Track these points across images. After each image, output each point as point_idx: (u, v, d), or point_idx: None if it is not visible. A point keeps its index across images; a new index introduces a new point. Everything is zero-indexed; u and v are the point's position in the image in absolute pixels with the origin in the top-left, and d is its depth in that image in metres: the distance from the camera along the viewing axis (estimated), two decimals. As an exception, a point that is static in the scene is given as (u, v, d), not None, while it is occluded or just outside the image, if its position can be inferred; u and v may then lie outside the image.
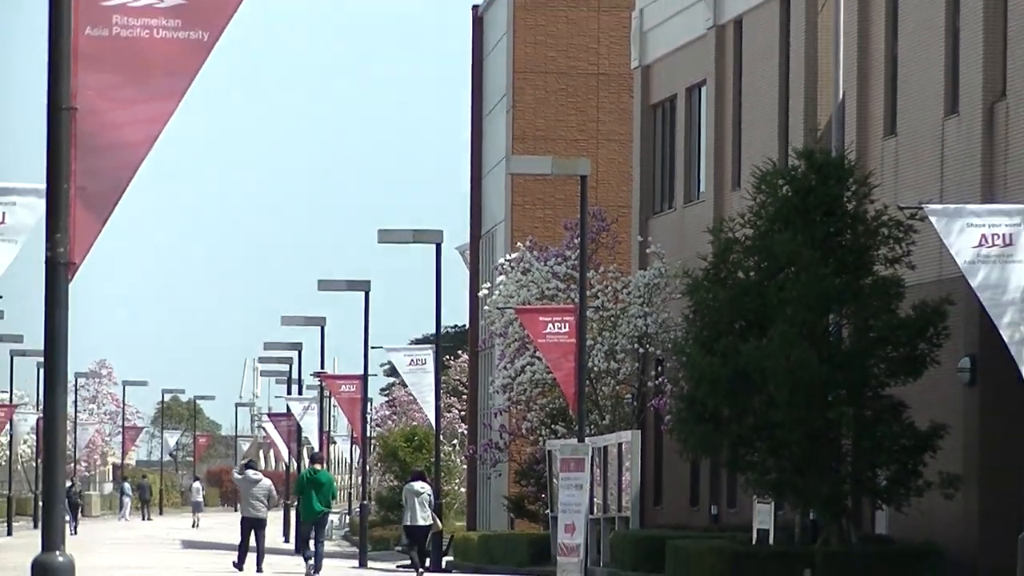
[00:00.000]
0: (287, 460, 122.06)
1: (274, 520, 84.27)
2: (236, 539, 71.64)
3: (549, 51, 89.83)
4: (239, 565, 69.73)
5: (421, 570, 67.84)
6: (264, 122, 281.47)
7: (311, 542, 68.90)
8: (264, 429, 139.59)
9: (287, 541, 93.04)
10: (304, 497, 70.06)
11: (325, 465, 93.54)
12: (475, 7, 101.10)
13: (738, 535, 57.68)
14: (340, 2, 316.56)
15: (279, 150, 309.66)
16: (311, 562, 68.12)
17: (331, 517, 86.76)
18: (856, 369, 51.50)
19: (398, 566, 70.54)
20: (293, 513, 73.39)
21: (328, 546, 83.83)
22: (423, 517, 69.83)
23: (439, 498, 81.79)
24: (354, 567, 69.52)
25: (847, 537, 52.82)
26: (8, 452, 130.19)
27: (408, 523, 70.56)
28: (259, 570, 69.64)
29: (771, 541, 54.79)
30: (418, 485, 71.43)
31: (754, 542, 55.54)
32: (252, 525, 70.56)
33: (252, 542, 69.73)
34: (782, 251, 52.24)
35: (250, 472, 73.32)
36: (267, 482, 72.54)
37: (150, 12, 17.00)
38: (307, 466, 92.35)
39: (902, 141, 56.11)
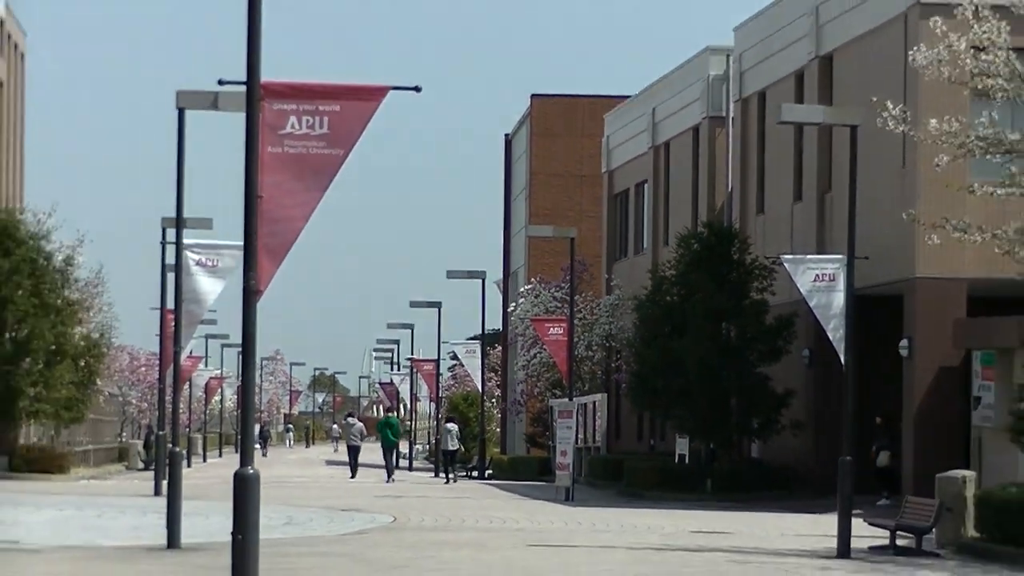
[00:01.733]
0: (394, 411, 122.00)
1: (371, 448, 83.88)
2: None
3: (552, 161, 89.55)
4: (353, 475, 71.47)
5: (449, 480, 67.72)
6: (364, 186, 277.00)
7: (389, 461, 70.50)
8: (377, 392, 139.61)
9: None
10: (381, 433, 73.54)
11: (400, 415, 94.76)
12: (507, 135, 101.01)
13: (666, 458, 57.52)
14: (425, 121, 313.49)
15: (380, 208, 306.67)
16: (389, 473, 69.27)
17: (416, 446, 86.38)
18: (739, 357, 51.38)
19: (456, 476, 70.26)
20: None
21: (417, 464, 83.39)
22: (452, 445, 70.34)
23: (483, 434, 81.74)
24: (431, 476, 69.32)
25: (733, 459, 52.73)
26: (220, 406, 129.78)
27: (444, 448, 71.15)
28: (354, 475, 71.33)
29: (687, 462, 54.64)
30: (450, 425, 72.20)
31: (676, 462, 55.37)
32: (352, 449, 73.82)
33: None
34: (694, 284, 52.26)
35: (350, 419, 79.86)
36: (360, 424, 77.05)
37: (307, 138, 17.04)
38: (383, 415, 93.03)
39: (767, 217, 55.95)
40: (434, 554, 28.98)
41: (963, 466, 37.64)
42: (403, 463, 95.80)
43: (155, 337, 61.11)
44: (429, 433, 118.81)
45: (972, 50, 30.48)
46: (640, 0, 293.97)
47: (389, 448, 71.90)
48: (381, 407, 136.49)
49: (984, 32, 30.29)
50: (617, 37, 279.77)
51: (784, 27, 53.95)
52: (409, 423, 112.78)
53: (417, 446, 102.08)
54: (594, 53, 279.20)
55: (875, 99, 34.49)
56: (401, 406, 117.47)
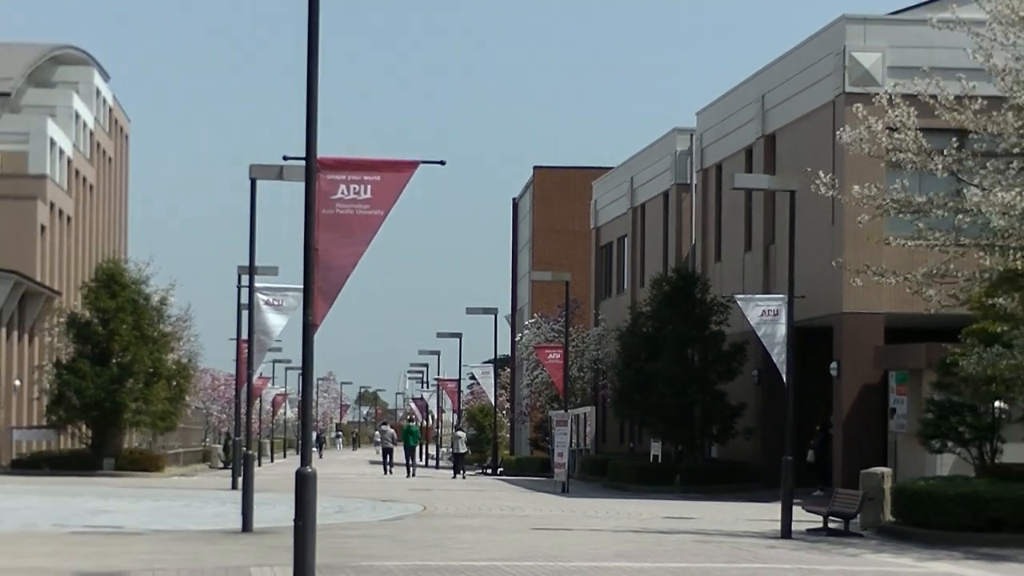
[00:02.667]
0: (421, 420, 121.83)
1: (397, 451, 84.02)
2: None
3: (551, 220, 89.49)
4: (385, 472, 71.94)
5: (459, 475, 67.74)
6: (400, 239, 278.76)
7: (410, 460, 72.53)
8: (410, 405, 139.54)
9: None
10: (404, 438, 76.37)
11: (428, 424, 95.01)
12: (514, 199, 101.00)
13: (642, 458, 57.38)
14: (449, 187, 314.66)
15: (413, 257, 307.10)
16: (410, 469, 70.55)
17: (442, 448, 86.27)
18: (701, 377, 51.23)
19: (471, 473, 70.34)
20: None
21: (442, 463, 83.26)
22: (461, 448, 70.84)
23: (496, 439, 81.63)
24: (449, 476, 69.23)
25: (697, 459, 52.59)
26: (284, 417, 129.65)
27: (456, 450, 71.36)
28: (388, 473, 71.30)
29: (659, 461, 54.52)
30: (460, 432, 73.50)
31: (651, 461, 55.24)
32: (386, 450, 76.45)
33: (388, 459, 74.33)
34: (665, 318, 52.19)
35: (384, 427, 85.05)
36: (392, 431, 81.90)
37: (354, 202, 17.05)
38: (406, 423, 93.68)
39: (723, 264, 55.89)
40: (457, 536, 28.97)
41: (882, 464, 37.56)
42: (431, 462, 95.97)
43: (232, 362, 61.12)
44: (452, 438, 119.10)
45: (887, 130, 30.49)
46: (621, 90, 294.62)
47: (410, 449, 74.18)
48: (408, 417, 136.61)
49: (896, 116, 30.28)
50: (603, 120, 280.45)
51: (736, 112, 54.02)
52: (437, 430, 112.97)
53: (443, 448, 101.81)
54: (585, 132, 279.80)
55: (809, 169, 34.52)
56: (429, 417, 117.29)
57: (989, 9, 29.09)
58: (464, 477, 67.48)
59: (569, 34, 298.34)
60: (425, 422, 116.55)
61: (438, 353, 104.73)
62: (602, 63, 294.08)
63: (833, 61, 44.94)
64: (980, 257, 29.68)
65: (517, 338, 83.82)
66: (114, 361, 60.16)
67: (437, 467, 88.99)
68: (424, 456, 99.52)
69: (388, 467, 73.50)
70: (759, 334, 34.43)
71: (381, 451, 77.64)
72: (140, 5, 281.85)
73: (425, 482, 60.33)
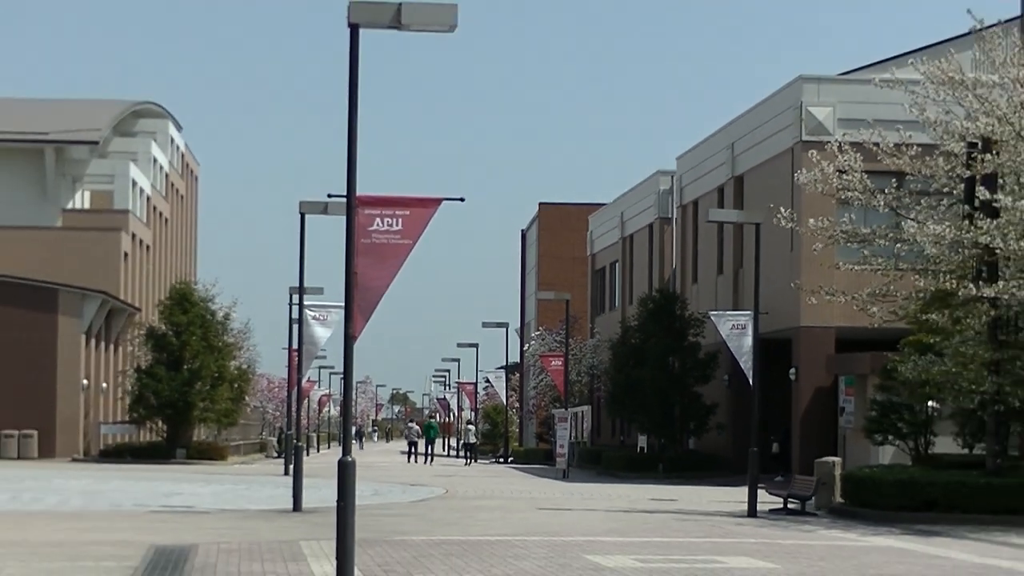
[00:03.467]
0: (444, 418, 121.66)
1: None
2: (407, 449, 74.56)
3: (554, 248, 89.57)
4: (409, 460, 72.10)
5: (468, 463, 67.88)
6: (425, 265, 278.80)
7: (429, 450, 72.91)
8: (435, 404, 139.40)
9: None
10: (424, 433, 76.20)
11: (448, 420, 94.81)
12: (523, 230, 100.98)
13: (631, 449, 57.29)
14: (468, 219, 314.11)
15: (439, 278, 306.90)
16: (429, 458, 71.04)
17: (462, 440, 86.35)
18: (681, 381, 51.24)
19: (484, 461, 70.45)
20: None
21: (460, 453, 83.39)
22: (471, 439, 71.43)
23: (507, 432, 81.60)
24: (463, 464, 69.33)
25: (677, 450, 52.49)
26: (328, 414, 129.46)
27: (466, 441, 71.53)
28: (412, 461, 71.01)
29: (645, 451, 54.41)
30: (470, 426, 74.00)
31: (638, 452, 55.13)
32: (411, 443, 75.81)
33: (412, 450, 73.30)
34: (649, 332, 52.17)
35: (411, 424, 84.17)
36: (417, 427, 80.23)
37: (387, 233, 17.03)
38: (427, 420, 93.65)
39: (699, 285, 55.86)
40: (474, 515, 28.91)
41: (833, 454, 37.51)
42: (452, 452, 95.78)
43: (285, 368, 61.07)
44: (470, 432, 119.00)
45: (837, 173, 30.53)
46: (613, 138, 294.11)
47: (430, 441, 74.64)
48: (430, 415, 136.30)
49: (845, 161, 30.34)
50: (598, 163, 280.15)
51: (710, 157, 54.06)
52: (457, 425, 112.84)
53: (461, 440, 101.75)
54: (583, 173, 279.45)
55: (772, 205, 34.55)
56: (450, 414, 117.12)
57: (923, 71, 29.19)
58: (476, 462, 67.57)
59: (571, 91, 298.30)
60: (447, 419, 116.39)
61: (458, 360, 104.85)
62: (597, 115, 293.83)
63: (792, 114, 44.98)
64: (915, 280, 29.65)
65: (525, 348, 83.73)
66: (185, 367, 60.13)
67: (458, 456, 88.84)
68: (446, 447, 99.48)
69: (413, 456, 73.49)
70: (729, 345, 34.47)
71: (407, 444, 77.54)
72: (208, 66, 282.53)
73: (446, 469, 60.25)
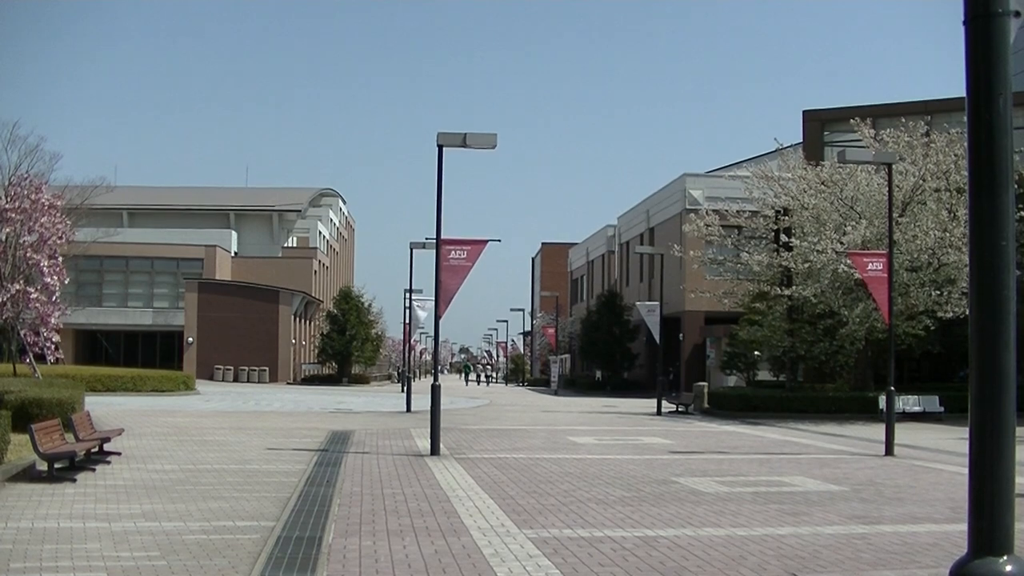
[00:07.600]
0: (488, 362, 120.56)
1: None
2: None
3: (550, 268, 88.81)
4: (466, 384, 70.93)
5: (483, 383, 67.25)
6: (475, 277, 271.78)
7: (482, 379, 71.92)
8: (484, 355, 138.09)
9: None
10: (465, 370, 76.25)
11: (489, 362, 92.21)
12: (532, 257, 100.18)
13: (593, 378, 56.24)
14: (499, 252, 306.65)
15: (484, 285, 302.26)
16: (487, 382, 69.60)
17: (493, 375, 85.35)
18: (620, 341, 50.57)
19: (489, 382, 69.29)
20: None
21: (495, 383, 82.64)
22: (488, 372, 70.04)
23: (523, 370, 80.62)
24: (502, 386, 68.77)
25: (617, 379, 51.54)
26: (425, 360, 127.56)
27: (486, 374, 70.87)
28: (466, 384, 69.63)
29: (600, 379, 52.70)
30: (488, 365, 71.76)
31: (596, 379, 53.38)
32: (466, 375, 75.37)
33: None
34: (602, 314, 51.66)
35: (467, 365, 78.76)
36: (469, 367, 76.09)
37: (458, 259, 16.98)
38: (468, 364, 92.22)
39: (630, 288, 54.79)
40: (505, 414, 28.77)
41: (703, 380, 37.26)
42: (492, 383, 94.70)
43: (402, 334, 61.65)
44: (499, 371, 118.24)
45: (706, 226, 30.46)
46: (583, 202, 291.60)
47: (477, 375, 72.54)
48: (476, 361, 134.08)
49: (709, 220, 30.25)
50: (573, 217, 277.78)
51: (636, 217, 53.64)
52: (497, 366, 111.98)
53: (493, 375, 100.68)
54: (566, 223, 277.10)
55: (670, 243, 34.42)
56: (493, 359, 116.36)
57: (751, 171, 29.24)
58: (489, 384, 66.74)
59: (562, 171, 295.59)
60: (490, 363, 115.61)
61: (495, 330, 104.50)
62: (574, 187, 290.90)
63: (681, 193, 44.70)
64: (748, 285, 29.60)
65: (533, 322, 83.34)
66: (348, 333, 60.19)
67: (498, 383, 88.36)
68: (488, 379, 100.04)
69: (466, 381, 73.05)
70: (646, 320, 34.28)
71: (463, 377, 77.22)
72: (362, 161, 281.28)
73: (491, 389, 59.94)
